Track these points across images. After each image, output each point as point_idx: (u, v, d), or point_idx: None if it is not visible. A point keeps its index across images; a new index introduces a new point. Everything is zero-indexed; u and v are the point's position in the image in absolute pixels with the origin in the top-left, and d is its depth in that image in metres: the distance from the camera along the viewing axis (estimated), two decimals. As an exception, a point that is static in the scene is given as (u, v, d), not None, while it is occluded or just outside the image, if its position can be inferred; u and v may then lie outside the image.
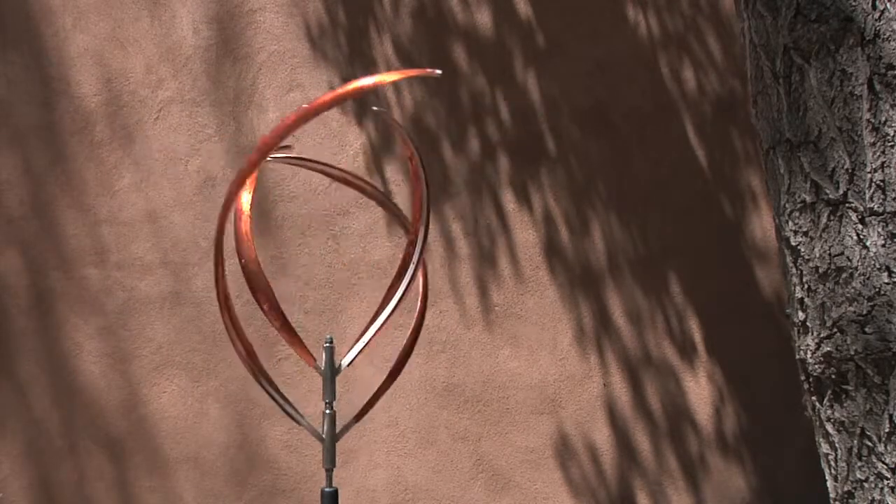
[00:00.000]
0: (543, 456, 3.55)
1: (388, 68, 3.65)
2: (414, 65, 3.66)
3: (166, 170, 3.60)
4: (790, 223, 2.26)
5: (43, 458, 3.51)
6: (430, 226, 3.67)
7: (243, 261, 2.19)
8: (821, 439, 2.27)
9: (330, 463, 2.18)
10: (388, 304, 2.25)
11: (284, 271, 3.55)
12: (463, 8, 3.69)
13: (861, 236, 2.14)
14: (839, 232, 2.17)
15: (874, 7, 2.15)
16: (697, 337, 3.61)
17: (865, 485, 2.15)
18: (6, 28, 3.63)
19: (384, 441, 3.53)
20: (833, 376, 2.19)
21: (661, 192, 3.64)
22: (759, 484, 3.57)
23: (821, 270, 2.19)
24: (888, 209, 2.12)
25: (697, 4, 3.72)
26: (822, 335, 2.20)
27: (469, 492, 3.54)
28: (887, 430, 2.11)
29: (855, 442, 2.16)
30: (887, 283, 2.11)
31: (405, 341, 2.33)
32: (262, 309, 2.18)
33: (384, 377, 2.30)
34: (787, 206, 2.27)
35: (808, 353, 2.25)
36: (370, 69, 3.65)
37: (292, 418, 2.18)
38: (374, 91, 3.64)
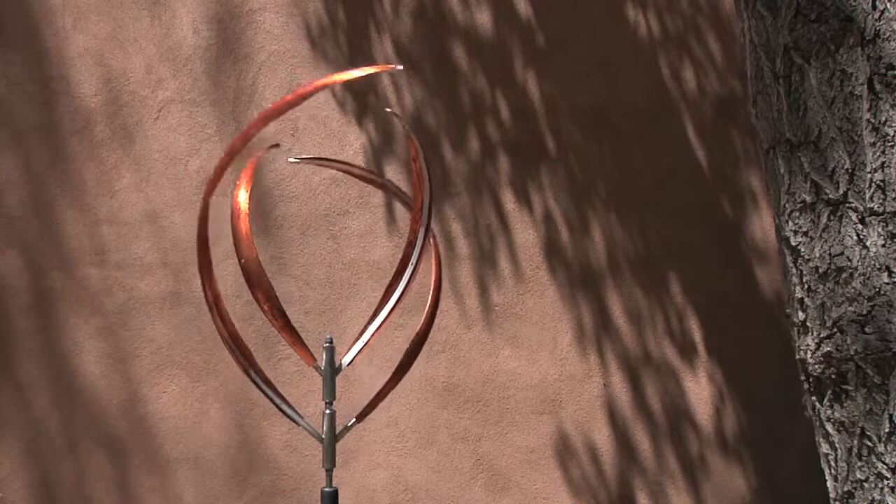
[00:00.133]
0: (543, 456, 3.55)
1: (388, 68, 3.65)
2: (414, 65, 3.66)
3: (166, 170, 3.60)
4: (790, 223, 2.26)
5: (43, 458, 3.51)
6: (431, 222, 3.67)
7: (243, 260, 2.17)
8: (821, 439, 2.27)
9: (330, 463, 2.18)
10: (385, 304, 2.25)
11: (284, 271, 3.55)
12: (463, 8, 3.69)
13: (861, 236, 2.14)
14: (839, 232, 2.17)
15: (874, 7, 2.15)
16: (697, 337, 3.61)
17: (865, 485, 2.15)
18: (6, 28, 3.63)
19: (384, 441, 3.53)
20: (833, 376, 2.19)
21: (661, 192, 3.65)
22: (759, 484, 3.57)
23: (821, 270, 2.19)
24: (888, 209, 2.12)
25: (697, 4, 3.72)
26: (822, 335, 2.20)
27: (469, 492, 3.54)
28: (887, 430, 2.11)
29: (855, 442, 2.16)
30: (887, 283, 2.11)
31: (410, 342, 2.30)
32: (262, 309, 2.17)
33: (385, 377, 2.30)
34: (787, 206, 2.27)
35: (808, 353, 2.25)
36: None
37: (292, 419, 2.18)
38: (375, 91, 3.65)
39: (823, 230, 2.19)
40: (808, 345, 2.25)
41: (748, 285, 3.64)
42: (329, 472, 2.18)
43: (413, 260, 2.25)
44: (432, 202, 2.28)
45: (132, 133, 3.62)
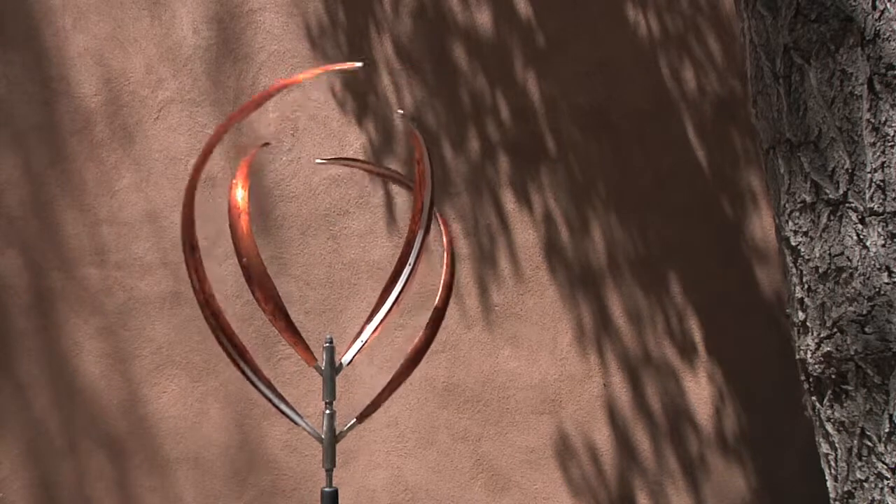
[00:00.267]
0: (543, 456, 3.55)
1: (389, 68, 3.65)
2: (414, 65, 3.66)
3: (166, 170, 3.60)
4: (790, 223, 2.26)
5: (43, 458, 3.51)
6: (431, 226, 3.67)
7: (245, 259, 2.15)
8: (821, 439, 2.27)
9: (330, 463, 2.17)
10: (382, 305, 2.24)
11: (284, 271, 3.55)
12: (463, 8, 3.69)
13: (861, 236, 2.14)
14: (839, 232, 2.17)
15: (874, 7, 2.15)
16: (697, 337, 3.61)
17: (865, 485, 2.15)
18: (6, 28, 3.63)
19: (384, 441, 3.53)
20: (833, 376, 2.19)
21: (661, 192, 3.64)
22: (759, 484, 3.57)
23: (821, 270, 2.19)
24: (888, 209, 2.12)
25: (697, 4, 3.72)
26: (822, 335, 2.20)
27: (469, 492, 3.54)
28: (887, 430, 2.11)
29: (855, 442, 2.16)
30: (887, 283, 2.11)
31: (414, 345, 2.29)
32: (264, 309, 2.15)
33: (386, 377, 2.30)
34: (787, 206, 2.27)
35: (808, 353, 2.25)
36: (370, 69, 3.65)
37: (291, 419, 2.18)
38: (375, 91, 3.65)
39: (823, 230, 2.19)
40: (808, 345, 2.25)
41: (748, 285, 3.64)
42: (329, 472, 2.18)
43: (411, 260, 2.25)
44: (433, 205, 2.28)
45: (132, 133, 3.62)
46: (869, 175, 2.14)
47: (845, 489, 2.20)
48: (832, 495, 2.26)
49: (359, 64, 2.19)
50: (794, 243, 2.26)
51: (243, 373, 2.17)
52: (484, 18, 3.69)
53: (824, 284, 2.19)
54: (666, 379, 3.60)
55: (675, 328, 3.62)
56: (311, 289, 3.57)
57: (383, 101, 3.65)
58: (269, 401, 2.18)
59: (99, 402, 3.53)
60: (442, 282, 2.34)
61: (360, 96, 3.64)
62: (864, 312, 2.12)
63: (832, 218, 2.18)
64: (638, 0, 3.71)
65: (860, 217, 2.14)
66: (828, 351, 2.19)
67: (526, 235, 3.63)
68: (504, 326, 3.58)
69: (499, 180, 3.64)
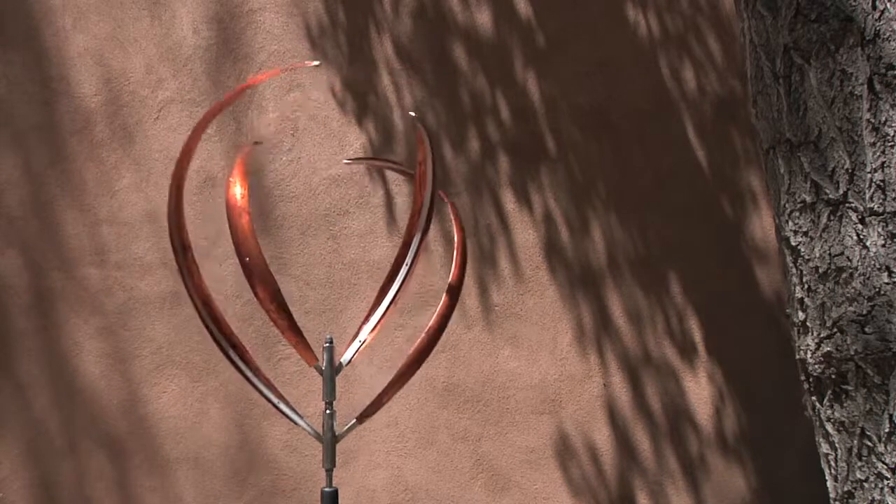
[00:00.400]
0: (543, 456, 3.55)
1: (389, 68, 3.65)
2: (414, 65, 3.66)
3: (166, 170, 3.59)
4: (790, 223, 2.26)
5: (43, 458, 3.51)
6: (430, 225, 3.67)
7: (247, 259, 2.14)
8: (821, 439, 2.27)
9: (330, 463, 2.17)
10: (378, 305, 2.24)
11: (284, 271, 3.55)
12: (463, 8, 3.69)
13: (861, 236, 2.14)
14: (839, 232, 2.17)
15: (874, 7, 2.15)
16: (697, 337, 3.61)
17: (865, 485, 2.15)
18: (6, 28, 3.63)
19: (384, 441, 3.53)
20: (833, 376, 2.19)
21: (661, 192, 3.64)
22: (759, 484, 3.57)
23: (821, 270, 2.19)
24: (888, 209, 2.12)
25: (697, 4, 3.72)
26: (822, 335, 2.20)
27: (469, 492, 3.54)
28: (887, 430, 2.11)
29: (855, 442, 2.16)
30: (887, 283, 2.11)
31: (417, 344, 2.28)
32: (267, 308, 2.14)
33: (386, 377, 2.30)
34: (787, 206, 2.27)
35: (808, 353, 2.25)
36: (370, 69, 3.65)
37: (291, 419, 2.18)
38: (375, 91, 3.64)
39: (823, 230, 2.19)
40: (808, 345, 2.25)
41: (748, 285, 3.64)
42: (329, 472, 2.18)
43: (408, 261, 2.24)
44: (433, 207, 2.27)
45: (132, 133, 3.62)
46: (869, 175, 2.14)
47: (845, 489, 2.20)
48: (832, 495, 2.26)
49: (316, 63, 2.20)
50: (794, 243, 2.26)
51: (243, 374, 2.17)
52: (484, 18, 3.69)
53: (824, 284, 2.19)
54: (666, 379, 3.60)
55: (675, 328, 3.62)
56: (311, 289, 3.57)
57: (383, 101, 3.65)
58: (269, 401, 2.17)
59: (99, 402, 3.53)
60: (454, 261, 2.34)
61: (360, 96, 3.64)
62: (864, 312, 2.12)
63: (832, 218, 2.18)
64: (638, 0, 3.71)
65: (860, 217, 2.14)
66: (828, 351, 2.19)
67: (526, 235, 3.63)
68: (504, 326, 3.58)
69: (499, 180, 3.64)
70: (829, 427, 2.22)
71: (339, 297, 3.57)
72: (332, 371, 2.19)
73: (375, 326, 2.23)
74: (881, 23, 2.14)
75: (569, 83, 3.67)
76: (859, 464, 2.16)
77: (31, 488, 3.50)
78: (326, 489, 2.16)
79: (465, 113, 3.66)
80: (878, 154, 2.13)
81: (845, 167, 2.16)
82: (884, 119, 2.13)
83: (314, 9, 3.67)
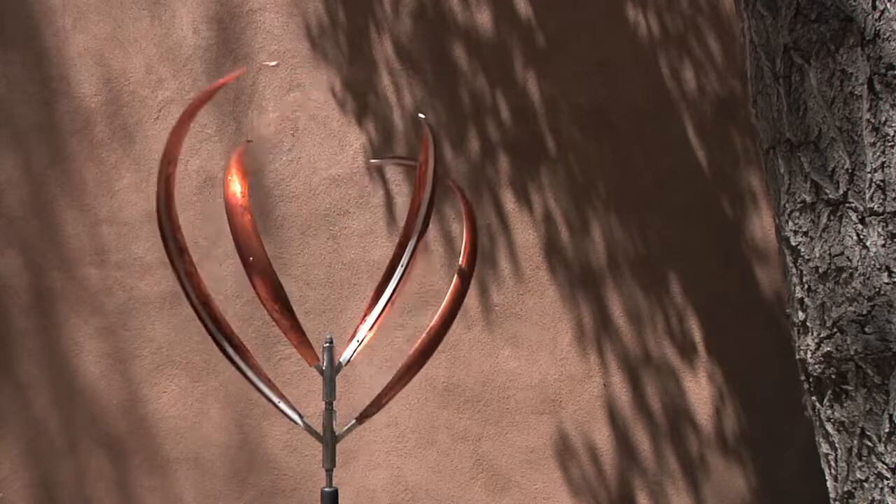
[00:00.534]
0: (543, 456, 3.55)
1: (389, 68, 3.65)
2: (414, 65, 3.66)
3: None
4: (790, 223, 2.26)
5: (43, 458, 3.51)
6: (431, 226, 3.67)
7: (251, 258, 2.11)
8: (821, 439, 2.27)
9: (330, 463, 2.17)
10: (374, 306, 2.23)
11: (284, 271, 3.55)
12: (463, 8, 3.69)
13: (861, 236, 2.14)
14: (839, 232, 2.17)
15: (874, 7, 2.15)
16: (697, 337, 3.61)
17: (865, 485, 2.15)
18: (6, 28, 3.63)
19: (384, 441, 3.53)
20: (833, 376, 2.19)
21: (661, 192, 3.64)
22: (759, 484, 3.57)
23: (821, 270, 2.19)
24: (888, 209, 2.12)
25: (697, 4, 3.72)
26: (822, 335, 2.20)
27: (469, 492, 3.53)
28: (887, 430, 2.11)
29: (855, 442, 2.16)
30: (887, 283, 2.11)
31: (419, 343, 2.28)
32: (269, 308, 2.12)
33: (385, 377, 2.29)
34: (787, 206, 2.27)
35: (808, 353, 2.25)
36: (370, 69, 3.65)
37: (291, 419, 2.17)
38: (375, 91, 3.64)
39: (823, 230, 2.19)
40: (808, 345, 2.25)
41: (748, 285, 3.64)
42: (329, 472, 2.18)
43: (404, 261, 2.23)
44: (431, 208, 2.26)
45: (132, 133, 3.62)
46: (869, 175, 2.14)
47: (845, 489, 2.20)
48: (832, 495, 2.26)
49: (274, 63, 2.20)
50: (794, 243, 2.26)
51: (244, 374, 2.17)
52: (484, 18, 3.69)
53: (824, 284, 2.19)
54: (666, 379, 3.60)
55: (675, 328, 3.62)
56: (311, 289, 3.57)
57: (383, 101, 3.65)
58: (270, 401, 2.17)
59: (99, 402, 3.53)
60: (464, 246, 2.34)
61: (360, 96, 3.64)
62: (864, 312, 2.12)
63: (832, 218, 2.18)
64: (638, 0, 3.71)
65: (860, 217, 2.14)
66: (828, 351, 2.19)
67: (526, 235, 3.63)
68: (504, 326, 3.58)
69: (499, 180, 3.64)
70: (829, 427, 2.22)
71: (339, 297, 3.57)
72: (332, 371, 2.19)
73: (372, 326, 2.22)
74: (881, 23, 2.14)
75: (569, 83, 3.67)
76: (859, 464, 2.16)
77: (31, 488, 3.50)
78: (326, 489, 2.16)
79: (465, 113, 3.66)
80: (878, 154, 2.13)
81: (845, 167, 2.16)
82: (884, 119, 2.13)
83: (314, 9, 3.67)
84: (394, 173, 3.62)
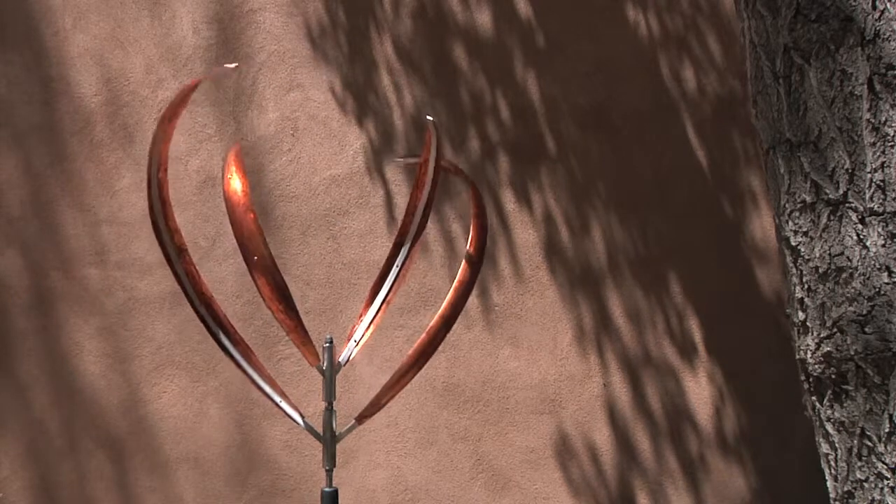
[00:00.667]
0: (543, 456, 3.55)
1: (389, 68, 3.65)
2: (414, 65, 3.66)
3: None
4: (790, 223, 2.26)
5: (43, 458, 3.51)
6: (430, 226, 3.68)
7: (256, 258, 2.09)
8: (821, 439, 2.27)
9: (330, 463, 2.17)
10: (371, 304, 2.23)
11: (284, 271, 3.53)
12: (463, 8, 3.69)
13: (861, 236, 2.14)
14: (839, 232, 2.17)
15: (874, 7, 2.15)
16: (697, 337, 3.61)
17: (865, 485, 2.15)
18: (6, 28, 3.63)
19: (384, 441, 3.53)
20: (833, 376, 2.19)
21: (661, 192, 3.64)
22: (759, 484, 3.57)
23: (821, 270, 2.19)
24: (888, 209, 2.12)
25: (697, 4, 3.72)
26: (822, 335, 2.20)
27: (469, 492, 3.54)
28: (887, 430, 2.11)
29: (855, 442, 2.16)
30: (887, 283, 2.11)
31: (417, 343, 2.27)
32: (273, 308, 2.11)
33: (385, 377, 2.29)
34: (787, 206, 2.27)
35: (808, 353, 2.25)
36: (370, 69, 3.65)
37: (292, 418, 2.17)
38: (375, 91, 3.64)
39: (823, 230, 2.19)
40: (808, 345, 2.25)
41: (748, 285, 3.64)
42: (329, 472, 2.18)
43: (398, 262, 2.23)
44: (429, 210, 2.25)
45: (132, 133, 3.62)
46: (869, 175, 2.14)
47: (845, 489, 2.20)
48: (832, 495, 2.26)
49: (233, 65, 2.21)
50: (794, 243, 2.26)
51: (246, 373, 2.16)
52: (484, 18, 3.69)
53: (824, 284, 2.19)
54: (666, 379, 3.60)
55: (675, 328, 3.62)
56: (311, 289, 3.57)
57: (383, 101, 3.65)
58: (272, 400, 2.17)
59: (99, 402, 3.53)
60: (472, 232, 2.33)
61: (360, 96, 3.64)
62: (864, 312, 2.12)
63: (832, 218, 2.18)
64: (638, 0, 3.71)
65: (860, 217, 2.14)
66: (828, 351, 2.19)
67: (526, 235, 3.63)
68: (504, 326, 3.58)
69: (499, 180, 3.64)
70: (829, 427, 2.23)
71: (339, 297, 3.57)
72: (332, 371, 2.19)
73: (368, 327, 2.22)
74: (881, 23, 2.14)
75: (569, 83, 3.67)
76: (859, 464, 2.16)
77: (31, 488, 3.50)
78: (326, 489, 2.16)
79: (465, 113, 3.66)
80: (878, 154, 2.13)
81: (845, 167, 2.16)
82: (884, 119, 2.13)
83: (314, 9, 3.67)
84: (394, 173, 3.62)
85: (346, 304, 3.56)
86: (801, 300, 2.25)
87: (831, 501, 2.27)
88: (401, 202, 3.60)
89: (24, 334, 3.54)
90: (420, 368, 2.25)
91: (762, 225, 3.64)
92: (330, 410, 2.17)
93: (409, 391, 3.51)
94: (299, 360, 3.45)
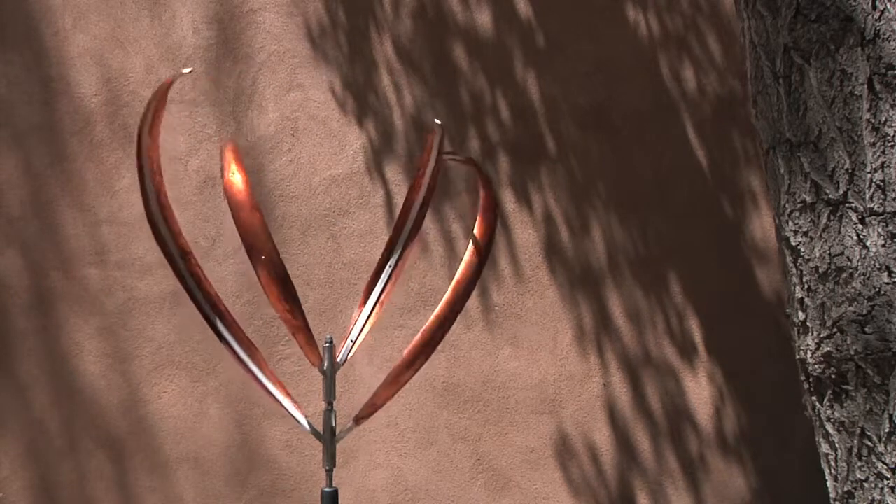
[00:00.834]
0: (543, 456, 3.55)
1: (389, 68, 3.65)
2: (414, 65, 3.66)
3: (166, 170, 3.57)
4: (790, 223, 2.26)
5: (43, 458, 3.51)
6: (430, 226, 3.68)
7: (263, 257, 2.08)
8: (821, 439, 2.27)
9: (330, 463, 2.17)
10: (365, 304, 2.23)
11: (284, 271, 3.55)
12: (463, 8, 3.69)
13: (861, 236, 2.14)
14: (839, 232, 2.17)
15: (874, 7, 2.15)
16: (697, 337, 3.61)
17: (865, 485, 2.15)
18: (6, 28, 3.63)
19: (384, 441, 3.53)
20: (833, 376, 2.19)
21: (661, 192, 3.64)
22: (759, 484, 3.57)
23: (821, 270, 2.19)
24: (888, 209, 2.12)
25: (697, 4, 3.72)
26: (822, 335, 2.20)
27: (469, 492, 3.54)
28: (887, 430, 2.11)
29: (855, 442, 2.16)
30: (887, 283, 2.11)
31: (415, 341, 2.28)
32: (279, 307, 2.10)
33: (385, 377, 2.29)
34: (787, 206, 2.27)
35: (808, 353, 2.25)
36: (370, 69, 3.65)
37: (294, 418, 2.18)
38: (375, 91, 3.64)
39: (823, 230, 2.19)
40: (808, 345, 2.25)
41: (748, 285, 3.64)
42: (329, 472, 2.18)
43: (391, 262, 2.23)
44: (424, 211, 2.25)
45: (132, 133, 3.62)
46: (869, 175, 2.14)
47: (845, 489, 2.20)
48: (832, 495, 2.26)
49: (187, 70, 2.22)
50: (794, 243, 2.26)
51: (251, 372, 2.16)
52: (484, 18, 3.69)
53: (824, 284, 2.19)
54: (666, 379, 3.60)
55: (675, 328, 3.62)
56: (311, 289, 3.57)
57: (383, 101, 3.65)
58: (275, 399, 2.17)
59: (99, 402, 3.53)
60: (478, 216, 2.32)
61: (360, 96, 3.64)
62: (864, 312, 2.12)
63: (832, 218, 2.18)
64: (638, 0, 3.71)
65: (860, 217, 2.14)
66: (828, 351, 2.19)
67: (526, 235, 3.63)
68: (504, 326, 3.58)
69: (499, 180, 3.64)
70: (829, 427, 2.23)
71: (339, 297, 3.57)
72: (332, 371, 2.19)
73: (364, 326, 2.22)
74: (881, 23, 2.14)
75: (569, 83, 3.67)
76: (859, 464, 2.16)
77: (31, 488, 3.50)
78: (326, 489, 2.16)
79: (465, 113, 3.66)
80: (878, 154, 2.13)
81: (845, 167, 2.16)
82: (884, 119, 2.13)
83: (314, 9, 3.67)
84: (394, 173, 3.62)
85: (346, 304, 3.56)
86: (801, 300, 2.25)
87: (831, 501, 2.27)
88: (401, 202, 3.59)
89: (24, 334, 3.54)
90: (418, 369, 2.25)
91: (762, 225, 3.64)
92: (330, 410, 2.17)
93: (409, 391, 3.52)
94: (299, 361, 3.45)
